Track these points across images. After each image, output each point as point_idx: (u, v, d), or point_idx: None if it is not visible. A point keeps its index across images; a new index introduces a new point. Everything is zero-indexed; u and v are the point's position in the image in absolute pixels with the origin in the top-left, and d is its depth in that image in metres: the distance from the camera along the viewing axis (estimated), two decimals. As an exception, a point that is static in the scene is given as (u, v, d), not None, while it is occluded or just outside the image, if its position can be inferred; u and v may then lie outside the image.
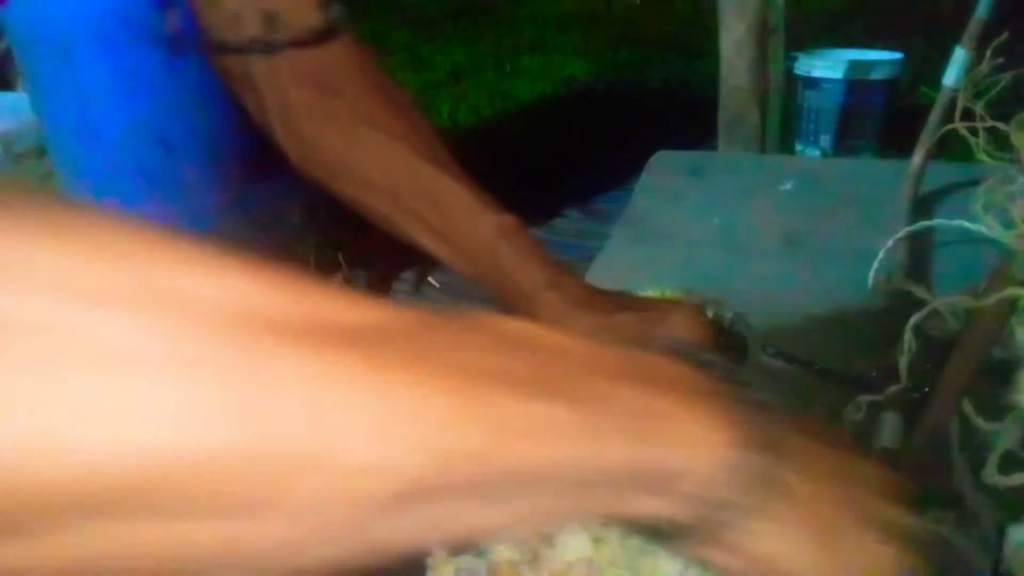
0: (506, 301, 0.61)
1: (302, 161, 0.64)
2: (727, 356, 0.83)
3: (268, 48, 0.60)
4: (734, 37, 1.96)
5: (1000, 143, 0.60)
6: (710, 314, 0.87)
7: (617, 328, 0.60)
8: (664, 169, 1.46)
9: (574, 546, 0.53)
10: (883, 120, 2.63)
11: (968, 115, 0.61)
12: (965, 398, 0.64)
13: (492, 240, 0.61)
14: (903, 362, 0.63)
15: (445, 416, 0.22)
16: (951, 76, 1.13)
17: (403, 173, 0.63)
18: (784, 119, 2.27)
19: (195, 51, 0.63)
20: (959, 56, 1.13)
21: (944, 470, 0.66)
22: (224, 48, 0.61)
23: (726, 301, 0.87)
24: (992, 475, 0.66)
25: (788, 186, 1.36)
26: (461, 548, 0.54)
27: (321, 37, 0.61)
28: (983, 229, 0.59)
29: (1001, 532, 0.58)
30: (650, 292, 0.90)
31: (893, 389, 0.66)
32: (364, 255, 2.11)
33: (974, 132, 0.60)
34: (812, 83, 2.63)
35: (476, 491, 0.24)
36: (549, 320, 0.58)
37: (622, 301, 0.64)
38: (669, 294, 0.89)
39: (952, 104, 0.63)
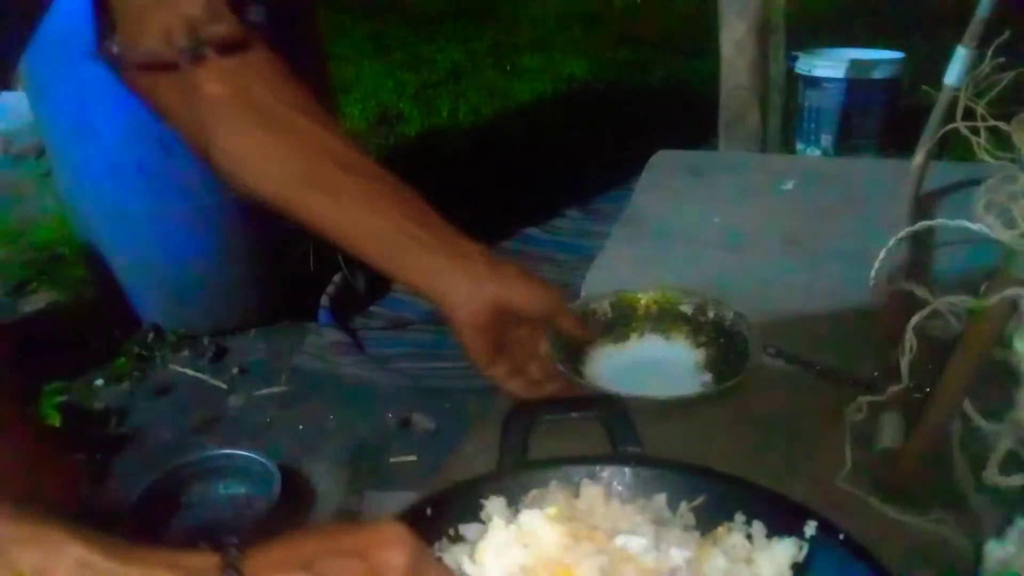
0: (409, 264, 0.68)
1: (203, 148, 0.67)
2: (728, 356, 0.83)
3: (196, 57, 0.62)
4: (735, 36, 1.95)
5: (1002, 142, 0.60)
6: (711, 314, 0.87)
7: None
8: (664, 168, 1.46)
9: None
10: (884, 119, 2.63)
11: (970, 114, 0.61)
12: (966, 398, 0.64)
13: (407, 210, 0.67)
14: (904, 362, 0.63)
15: None
16: (952, 75, 1.13)
17: (333, 153, 0.66)
18: (785, 118, 2.26)
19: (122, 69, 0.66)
20: (960, 55, 1.13)
21: (945, 470, 0.66)
22: (158, 64, 0.63)
23: (726, 301, 0.87)
24: (993, 475, 0.65)
25: (789, 186, 1.36)
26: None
27: (240, 44, 0.64)
28: (985, 229, 0.58)
29: (978, 550, 0.58)
30: (650, 293, 0.90)
31: (894, 389, 0.65)
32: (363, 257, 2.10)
33: (976, 131, 0.60)
34: (813, 82, 2.63)
35: None
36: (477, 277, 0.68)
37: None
38: (669, 294, 0.90)
39: (953, 103, 0.63)
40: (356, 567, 0.42)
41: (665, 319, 0.90)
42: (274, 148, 0.66)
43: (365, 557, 0.42)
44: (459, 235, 0.69)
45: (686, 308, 0.89)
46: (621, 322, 0.89)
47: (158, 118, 0.68)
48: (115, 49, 0.64)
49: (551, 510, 0.53)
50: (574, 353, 0.84)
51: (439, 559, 0.48)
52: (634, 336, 0.89)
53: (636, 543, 0.52)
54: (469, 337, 0.70)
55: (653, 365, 0.86)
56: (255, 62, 0.66)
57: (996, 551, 0.57)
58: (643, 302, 0.90)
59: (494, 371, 0.73)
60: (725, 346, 0.86)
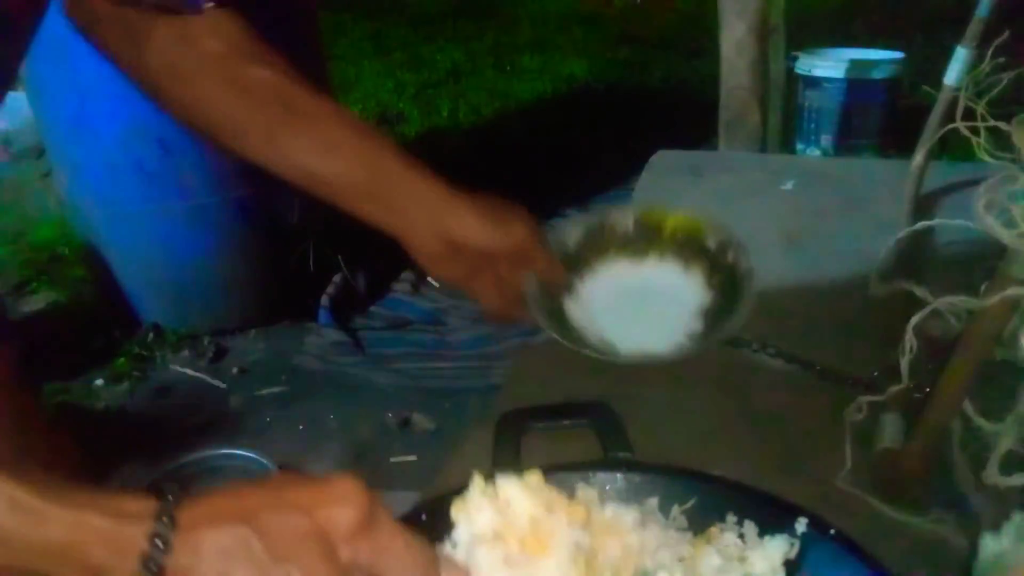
0: (387, 202, 0.67)
1: (161, 99, 0.67)
2: (725, 310, 0.76)
3: (151, 4, 0.63)
4: (735, 36, 1.95)
5: (1002, 142, 0.60)
6: (730, 257, 0.79)
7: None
8: (664, 169, 1.46)
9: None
10: (884, 119, 2.63)
11: (969, 114, 0.60)
12: (966, 398, 0.64)
13: (376, 147, 0.67)
14: (904, 362, 0.63)
15: None
16: (952, 75, 1.13)
17: (295, 98, 0.66)
18: (785, 118, 2.27)
19: None
20: (960, 55, 1.12)
21: (945, 470, 0.66)
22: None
23: (745, 250, 0.80)
24: (993, 475, 0.65)
25: (789, 186, 1.36)
26: None
27: (189, 5, 0.64)
28: (984, 229, 0.58)
29: (974, 544, 0.58)
30: (679, 216, 0.81)
31: (894, 389, 0.65)
32: (364, 255, 2.10)
33: (975, 131, 0.60)
34: (813, 82, 2.63)
35: None
36: (428, 195, 0.67)
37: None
38: (697, 222, 0.81)
39: (953, 103, 0.63)
40: (300, 523, 0.39)
41: (687, 248, 0.80)
42: (218, 92, 0.66)
43: (311, 513, 0.39)
44: (418, 172, 0.68)
45: (711, 243, 0.80)
46: (642, 239, 0.80)
47: (103, 55, 0.68)
48: None
49: (531, 476, 0.51)
50: (579, 265, 0.78)
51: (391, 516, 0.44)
52: (653, 257, 0.80)
53: (625, 515, 0.53)
54: (431, 269, 0.70)
55: (656, 296, 0.79)
56: (211, 20, 0.66)
57: (991, 545, 0.57)
58: (670, 224, 0.80)
59: (467, 289, 0.73)
60: (729, 297, 0.77)
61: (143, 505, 0.38)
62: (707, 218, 0.81)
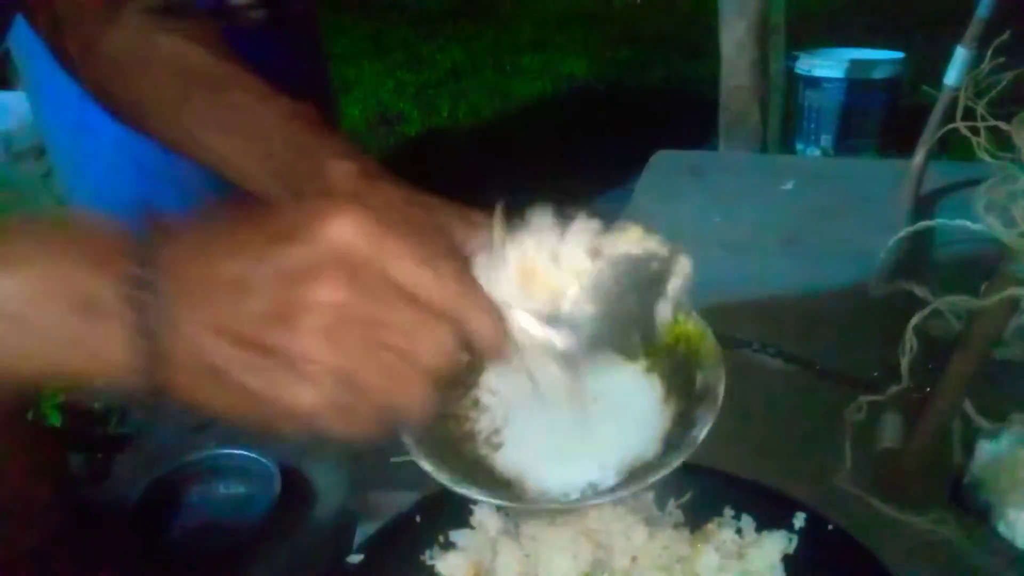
0: (293, 186, 0.56)
1: (93, 74, 0.63)
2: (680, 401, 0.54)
3: None
4: (735, 36, 1.95)
5: (1002, 142, 0.60)
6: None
7: (422, 207, 0.53)
8: (664, 169, 1.46)
9: (559, 564, 0.52)
10: (884, 119, 2.63)
11: (969, 114, 0.60)
12: (966, 398, 0.64)
13: (285, 120, 0.58)
14: (904, 362, 0.63)
15: None
16: (952, 75, 1.13)
17: (190, 68, 0.60)
18: (785, 118, 2.27)
19: None
20: (960, 55, 1.12)
21: (946, 470, 0.66)
22: None
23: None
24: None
25: (789, 186, 1.36)
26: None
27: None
28: (985, 229, 0.58)
29: (970, 445, 0.58)
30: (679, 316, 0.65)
31: (894, 389, 0.65)
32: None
33: (975, 131, 0.60)
34: (813, 82, 2.63)
35: None
36: (343, 187, 0.54)
37: (421, 190, 0.56)
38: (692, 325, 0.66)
39: (953, 103, 0.63)
40: (295, 252, 0.35)
41: (679, 373, 0.54)
42: (131, 70, 0.61)
43: (299, 237, 0.35)
44: (333, 151, 0.56)
45: (699, 379, 0.53)
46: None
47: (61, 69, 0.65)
48: None
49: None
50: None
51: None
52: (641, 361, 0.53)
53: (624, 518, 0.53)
54: None
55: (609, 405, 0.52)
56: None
57: (988, 447, 0.57)
58: (678, 329, 0.56)
59: None
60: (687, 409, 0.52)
61: (117, 240, 0.38)
62: (715, 345, 0.55)
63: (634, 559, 0.53)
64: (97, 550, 0.66)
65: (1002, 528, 0.61)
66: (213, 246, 0.37)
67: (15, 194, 2.42)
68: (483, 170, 2.77)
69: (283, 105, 0.58)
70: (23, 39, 1.74)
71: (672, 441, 0.51)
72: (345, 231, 0.35)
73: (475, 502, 0.55)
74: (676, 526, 0.56)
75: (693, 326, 0.58)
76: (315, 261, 0.35)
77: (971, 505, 0.60)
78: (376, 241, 0.36)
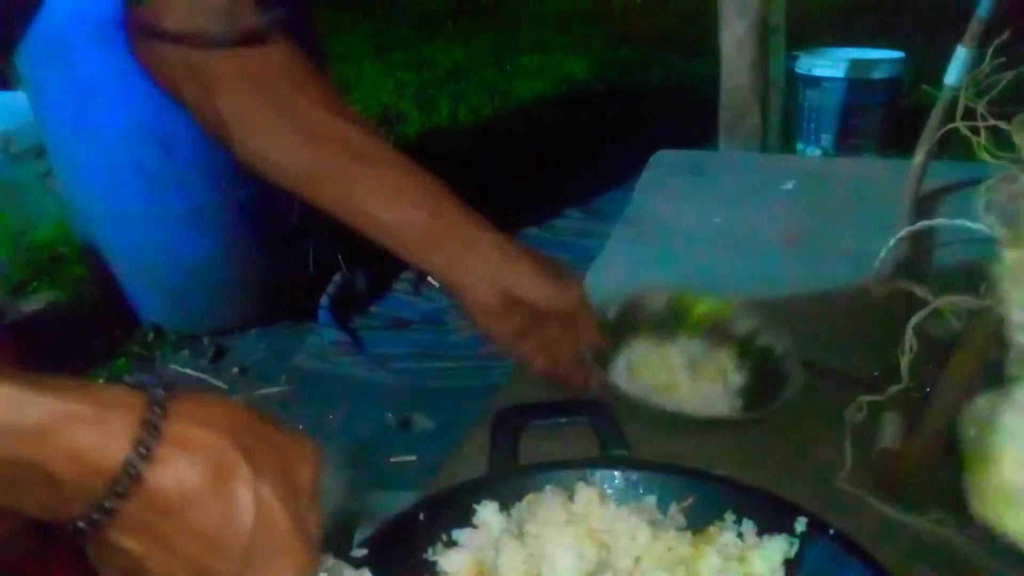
0: (449, 253, 0.68)
1: (235, 150, 0.67)
2: (768, 388, 0.79)
3: (216, 42, 0.63)
4: (735, 36, 1.95)
5: (1002, 142, 0.60)
6: (762, 343, 0.83)
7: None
8: (665, 168, 1.46)
9: (563, 563, 0.52)
10: (884, 119, 2.63)
11: (970, 114, 0.60)
12: (967, 398, 0.64)
13: (431, 195, 0.68)
14: (904, 362, 0.63)
15: None
16: (952, 75, 1.13)
17: (358, 146, 0.67)
18: (785, 118, 2.27)
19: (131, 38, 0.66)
20: (960, 55, 1.12)
21: (946, 470, 0.66)
22: (175, 38, 0.63)
23: (781, 331, 0.83)
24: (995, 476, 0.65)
25: (789, 185, 1.36)
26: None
27: (256, 38, 0.65)
28: (985, 228, 0.58)
29: (951, 500, 0.59)
30: (709, 302, 0.87)
31: (894, 389, 0.65)
32: (364, 255, 2.10)
33: (976, 131, 0.60)
34: (813, 82, 2.63)
35: None
36: (490, 243, 0.68)
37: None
38: (727, 307, 0.86)
39: (953, 103, 0.63)
40: (274, 459, 0.40)
41: (717, 331, 0.85)
42: (289, 140, 0.67)
43: (283, 454, 0.41)
44: (475, 222, 0.69)
45: (740, 328, 0.84)
46: (672, 321, 0.86)
47: (167, 109, 0.68)
48: (144, 19, 0.64)
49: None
50: (615, 339, 0.81)
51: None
52: (681, 340, 0.85)
53: (627, 518, 0.55)
54: (483, 322, 0.70)
55: (689, 376, 0.82)
56: (273, 54, 0.66)
57: (983, 400, 0.58)
58: (699, 309, 0.86)
59: (516, 349, 0.73)
60: (767, 378, 0.81)
61: (132, 395, 0.38)
62: (739, 301, 0.86)
63: (637, 560, 0.53)
64: (84, 553, 0.66)
65: (971, 491, 0.60)
66: (212, 416, 0.40)
67: (15, 194, 2.42)
68: (483, 170, 2.77)
69: (432, 182, 0.69)
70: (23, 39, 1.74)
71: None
72: (307, 470, 0.42)
73: (478, 500, 0.55)
74: (678, 529, 0.56)
75: (703, 304, 0.86)
76: (279, 468, 0.41)
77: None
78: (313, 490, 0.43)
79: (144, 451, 0.36)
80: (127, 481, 0.36)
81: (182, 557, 0.38)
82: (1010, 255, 0.54)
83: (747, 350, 0.83)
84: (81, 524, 0.37)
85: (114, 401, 0.37)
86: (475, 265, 0.68)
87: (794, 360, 0.80)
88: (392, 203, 0.67)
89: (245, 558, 0.38)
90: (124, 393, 0.38)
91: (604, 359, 0.80)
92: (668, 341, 0.85)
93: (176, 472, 0.37)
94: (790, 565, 0.53)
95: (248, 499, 0.38)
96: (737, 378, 0.83)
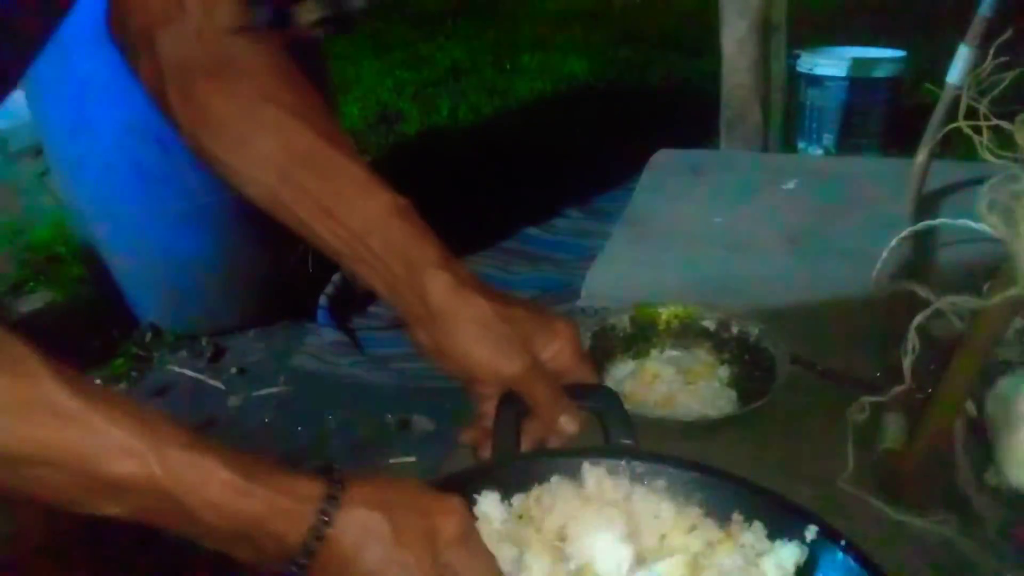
0: (389, 284, 0.62)
1: (193, 129, 0.65)
2: (754, 373, 0.81)
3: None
4: (736, 35, 1.95)
5: (1004, 142, 0.60)
6: (735, 330, 0.85)
7: (509, 321, 0.61)
8: (665, 168, 1.45)
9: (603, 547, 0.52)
10: (886, 118, 2.62)
11: (972, 113, 0.60)
12: (968, 399, 0.63)
13: (385, 216, 0.62)
14: (907, 362, 0.62)
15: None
16: (955, 74, 1.13)
17: (296, 147, 0.63)
18: (786, 117, 2.26)
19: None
20: (963, 54, 1.12)
21: (948, 471, 0.65)
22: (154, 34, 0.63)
23: (750, 317, 0.85)
24: (996, 476, 0.65)
25: (791, 185, 1.35)
26: None
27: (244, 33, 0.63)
28: (987, 228, 0.58)
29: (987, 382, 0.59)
30: (670, 307, 0.88)
31: (897, 390, 0.65)
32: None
33: (978, 131, 0.59)
34: (815, 81, 2.62)
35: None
36: (438, 298, 0.61)
37: (509, 296, 0.64)
38: (690, 308, 0.88)
39: (956, 102, 0.62)
40: (421, 523, 0.49)
41: (687, 334, 0.87)
42: (255, 149, 0.64)
43: (430, 517, 0.49)
44: (427, 252, 0.62)
45: (709, 323, 0.87)
46: (641, 337, 0.88)
47: (157, 110, 0.67)
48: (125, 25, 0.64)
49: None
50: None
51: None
52: (655, 352, 0.87)
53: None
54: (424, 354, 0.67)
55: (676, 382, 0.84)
56: (255, 57, 0.65)
57: (1001, 382, 0.58)
58: (664, 317, 0.88)
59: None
60: (750, 363, 0.83)
61: (315, 485, 0.48)
62: (699, 301, 0.89)
63: (663, 537, 0.53)
64: (96, 551, 0.66)
65: (998, 457, 0.60)
66: (372, 500, 0.50)
67: (13, 194, 2.42)
68: (483, 170, 2.77)
69: (385, 201, 0.62)
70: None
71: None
72: (452, 524, 0.50)
73: (479, 490, 0.55)
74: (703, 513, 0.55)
75: (673, 307, 0.89)
76: (424, 532, 0.50)
77: (981, 440, 0.60)
78: (463, 540, 0.50)
79: (318, 534, 0.47)
80: (313, 543, 0.47)
81: None
82: None
83: (722, 340, 0.86)
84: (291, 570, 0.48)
85: (304, 492, 0.48)
86: (468, 347, 0.62)
87: (773, 340, 0.82)
88: (330, 217, 0.63)
89: None
90: (310, 485, 0.48)
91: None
92: (645, 356, 0.87)
93: (340, 542, 0.48)
94: (799, 571, 0.52)
95: (390, 561, 0.48)
96: (725, 370, 0.84)
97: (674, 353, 0.87)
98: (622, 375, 0.85)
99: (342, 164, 0.63)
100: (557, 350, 0.63)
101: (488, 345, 0.61)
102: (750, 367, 0.83)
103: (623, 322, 0.87)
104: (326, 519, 0.48)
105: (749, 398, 0.79)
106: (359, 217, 0.62)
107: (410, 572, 0.49)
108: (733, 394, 0.82)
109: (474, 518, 0.53)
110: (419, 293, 0.61)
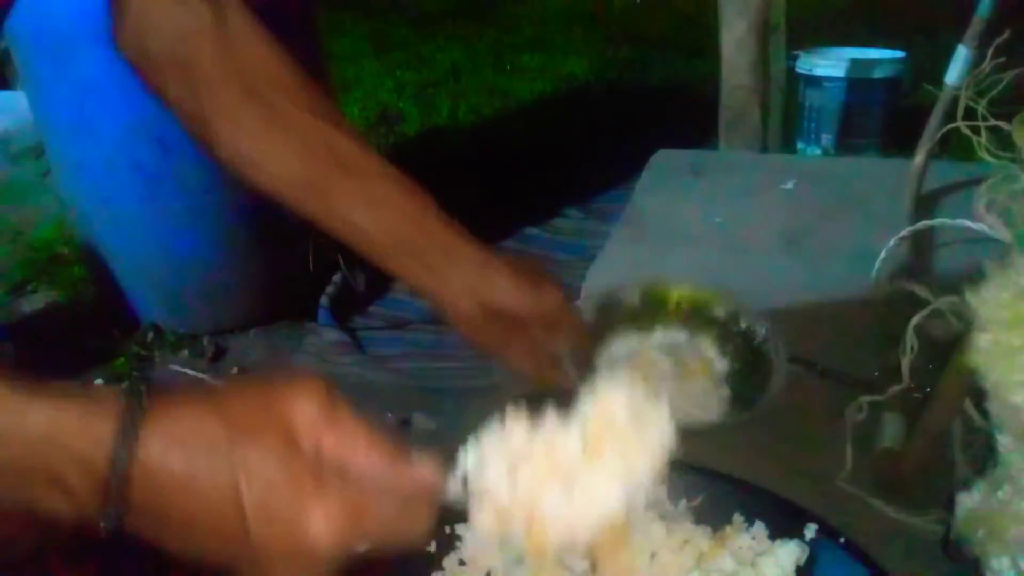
0: (428, 266, 0.67)
1: (220, 152, 0.68)
2: (752, 376, 0.78)
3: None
4: (735, 35, 1.95)
5: (1002, 142, 0.60)
6: (743, 325, 0.81)
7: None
8: (665, 168, 1.46)
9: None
10: (885, 119, 2.62)
11: (970, 114, 0.60)
12: (967, 398, 0.64)
13: (419, 210, 0.68)
14: (905, 362, 0.63)
15: None
16: (953, 75, 1.13)
17: (344, 154, 0.67)
18: (785, 118, 2.26)
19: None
20: (961, 54, 1.12)
21: (946, 470, 0.66)
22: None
23: (761, 316, 0.81)
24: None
25: (789, 185, 1.36)
26: None
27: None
28: (985, 228, 0.58)
29: (950, 500, 0.59)
30: (683, 289, 0.84)
31: (895, 389, 0.65)
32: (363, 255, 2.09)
33: (976, 131, 0.60)
34: (814, 81, 2.62)
35: None
36: (468, 279, 0.67)
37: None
38: (703, 293, 0.84)
39: (954, 103, 0.63)
40: (261, 412, 0.40)
41: (695, 319, 0.83)
42: (275, 146, 0.67)
43: (273, 404, 0.41)
44: (457, 234, 0.69)
45: (719, 312, 0.82)
46: (647, 313, 0.84)
47: (164, 108, 0.68)
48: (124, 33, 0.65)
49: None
50: (595, 339, 0.79)
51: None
52: (659, 330, 0.83)
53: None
54: (465, 332, 0.71)
55: (676, 367, 0.81)
56: (262, 56, 0.66)
57: (965, 501, 0.58)
58: (675, 297, 0.84)
59: (500, 355, 0.72)
60: (751, 363, 0.79)
61: (113, 398, 0.39)
62: (715, 287, 0.84)
63: (653, 555, 0.53)
64: (95, 551, 0.66)
65: None
66: (190, 400, 0.41)
67: (14, 194, 2.42)
68: (483, 170, 2.77)
69: (414, 191, 0.68)
70: (22, 39, 1.74)
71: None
72: (304, 406, 0.42)
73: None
74: (694, 523, 0.56)
75: (678, 292, 0.82)
76: (267, 422, 0.40)
77: (960, 558, 0.60)
78: (326, 422, 0.42)
79: (123, 455, 0.37)
80: (121, 467, 0.37)
81: (196, 536, 0.39)
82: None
83: (728, 333, 0.82)
84: (104, 524, 0.38)
85: (99, 403, 0.39)
86: (454, 277, 0.68)
87: (776, 345, 0.78)
88: (374, 213, 0.67)
89: (256, 518, 0.38)
90: (108, 396, 0.39)
91: (587, 360, 0.77)
92: (648, 334, 0.83)
93: (163, 451, 0.38)
94: (799, 571, 0.52)
95: (235, 464, 0.38)
96: (724, 364, 0.81)
97: (677, 338, 0.83)
98: (620, 354, 0.82)
99: (380, 166, 0.68)
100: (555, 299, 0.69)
101: (525, 281, 0.68)
102: (749, 368, 0.80)
103: (632, 295, 0.84)
104: (131, 422, 0.38)
105: (741, 402, 0.77)
106: (398, 212, 0.67)
107: (268, 473, 0.39)
108: (726, 394, 0.79)
109: (330, 392, 0.43)
110: (451, 269, 0.67)
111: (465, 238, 0.69)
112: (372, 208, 0.67)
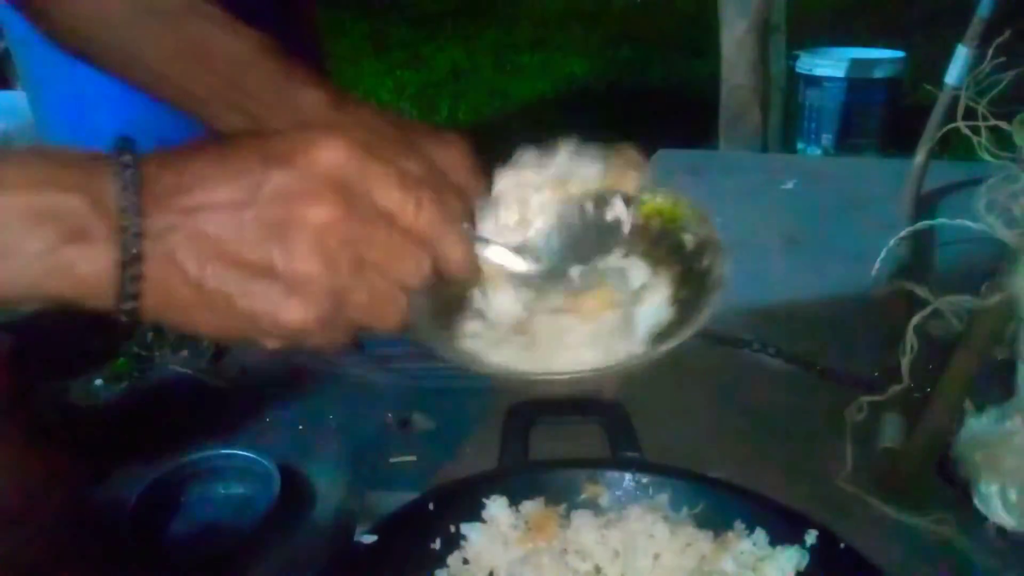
0: (262, 121, 0.55)
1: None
2: (693, 297, 0.55)
3: None
4: (735, 35, 1.95)
5: (1003, 142, 0.60)
6: (705, 263, 0.57)
7: (397, 127, 0.54)
8: (665, 168, 1.46)
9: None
10: (885, 119, 2.63)
11: (970, 114, 0.60)
12: (967, 398, 0.63)
13: (252, 51, 0.55)
14: (905, 362, 0.63)
15: None
16: (953, 74, 1.13)
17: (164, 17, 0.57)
18: (785, 118, 2.27)
19: None
20: (961, 54, 1.12)
21: (947, 470, 0.66)
22: None
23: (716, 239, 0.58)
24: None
25: (789, 185, 1.36)
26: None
27: None
28: (986, 228, 0.58)
29: (960, 419, 0.59)
30: (659, 199, 0.57)
31: (895, 389, 0.65)
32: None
33: (976, 131, 0.60)
34: (814, 81, 2.63)
35: None
36: (312, 113, 0.54)
37: (397, 115, 0.58)
38: (680, 210, 0.58)
39: (954, 103, 0.63)
40: (288, 175, 0.37)
41: (659, 245, 0.57)
42: (87, 4, 0.59)
43: (293, 162, 0.37)
44: (300, 78, 0.56)
45: (688, 238, 0.58)
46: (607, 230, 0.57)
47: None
48: None
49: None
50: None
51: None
52: (612, 257, 0.56)
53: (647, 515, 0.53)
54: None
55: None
56: None
57: (973, 424, 0.59)
58: (645, 211, 0.58)
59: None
60: (689, 282, 0.57)
61: (104, 157, 0.37)
62: (692, 205, 0.59)
63: (657, 557, 0.53)
64: (96, 551, 0.66)
65: (978, 503, 0.61)
66: (203, 171, 0.37)
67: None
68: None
69: (248, 37, 0.56)
70: (22, 38, 1.74)
71: (687, 302, 0.54)
72: (335, 156, 0.37)
73: (487, 495, 0.55)
74: (696, 526, 0.56)
75: (661, 199, 0.60)
76: (307, 184, 0.37)
77: (954, 479, 0.61)
78: (364, 167, 0.38)
79: (132, 175, 0.35)
80: (129, 175, 0.35)
81: (236, 245, 0.36)
82: None
83: (689, 272, 0.57)
84: (133, 249, 0.35)
85: (80, 158, 0.37)
86: (286, 121, 0.54)
87: (719, 287, 0.55)
88: (188, 62, 0.56)
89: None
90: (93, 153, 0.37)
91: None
92: (604, 255, 0.56)
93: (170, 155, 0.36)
94: None
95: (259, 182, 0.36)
96: (665, 312, 0.54)
97: (637, 262, 0.56)
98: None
99: (194, 4, 0.56)
100: (450, 159, 0.52)
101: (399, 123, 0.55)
102: (689, 287, 0.56)
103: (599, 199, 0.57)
104: (130, 156, 0.35)
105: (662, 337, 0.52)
106: (222, 58, 0.55)
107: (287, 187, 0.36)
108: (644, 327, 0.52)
109: (357, 141, 0.38)
110: (295, 117, 0.53)
111: (311, 83, 0.55)
112: (188, 60, 0.56)
